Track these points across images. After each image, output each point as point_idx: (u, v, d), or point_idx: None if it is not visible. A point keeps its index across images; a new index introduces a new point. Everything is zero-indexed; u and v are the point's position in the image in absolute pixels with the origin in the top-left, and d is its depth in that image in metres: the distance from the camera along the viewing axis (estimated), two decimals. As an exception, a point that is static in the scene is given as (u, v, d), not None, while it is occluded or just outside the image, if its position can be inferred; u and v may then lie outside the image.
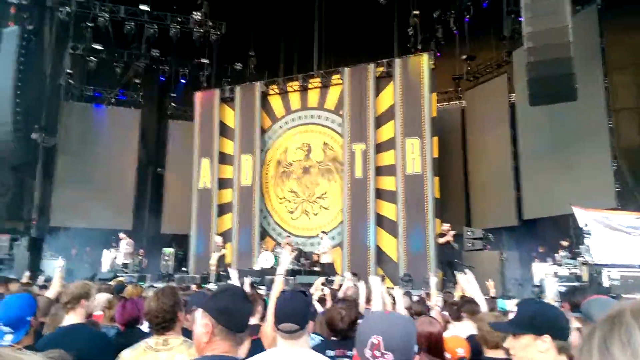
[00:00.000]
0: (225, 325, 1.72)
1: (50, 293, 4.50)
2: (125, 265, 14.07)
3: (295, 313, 2.08)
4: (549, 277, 8.63)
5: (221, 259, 14.24)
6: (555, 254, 9.69)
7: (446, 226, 11.87)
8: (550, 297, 7.55)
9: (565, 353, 1.81)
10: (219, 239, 14.65)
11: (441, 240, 11.68)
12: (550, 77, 10.16)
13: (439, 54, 16.04)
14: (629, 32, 13.10)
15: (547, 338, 1.79)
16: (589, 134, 11.93)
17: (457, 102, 16.83)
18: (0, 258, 13.08)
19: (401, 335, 1.42)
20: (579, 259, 8.60)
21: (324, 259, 12.90)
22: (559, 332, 1.81)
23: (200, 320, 1.75)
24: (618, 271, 7.71)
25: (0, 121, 14.65)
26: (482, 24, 15.74)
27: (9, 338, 2.21)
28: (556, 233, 11.55)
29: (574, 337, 2.01)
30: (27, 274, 6.91)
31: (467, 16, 15.86)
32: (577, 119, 11.96)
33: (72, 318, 2.92)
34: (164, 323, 2.32)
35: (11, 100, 14.61)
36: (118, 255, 14.29)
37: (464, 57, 16.44)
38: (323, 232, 13.76)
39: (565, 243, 10.22)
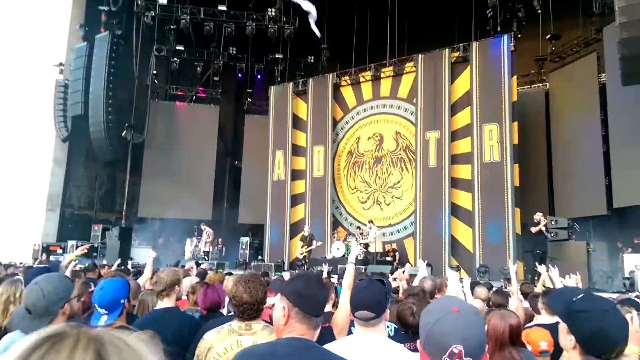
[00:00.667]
0: (301, 309, 1.76)
1: (141, 280, 4.87)
2: (206, 254, 14.77)
3: (372, 301, 2.10)
4: (639, 268, 7.86)
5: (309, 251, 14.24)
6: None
7: (538, 215, 11.10)
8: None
9: None
10: (306, 229, 14.59)
11: (534, 229, 10.93)
12: (645, 54, 9.25)
13: (520, 35, 15.12)
14: None
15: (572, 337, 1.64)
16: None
17: (540, 85, 15.82)
18: (95, 246, 14.21)
19: (479, 339, 1.34)
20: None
21: (370, 248, 12.74)
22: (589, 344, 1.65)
23: (278, 305, 1.81)
24: None
25: (95, 120, 15.88)
26: (567, 0, 14.63)
27: (104, 319, 2.37)
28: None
29: None
30: (118, 261, 7.48)
31: (551, -7, 14.80)
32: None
33: (165, 303, 3.18)
34: (255, 313, 2.37)
35: (104, 100, 15.78)
36: (200, 244, 15.02)
37: (548, 36, 15.39)
38: (371, 221, 13.61)
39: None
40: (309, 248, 13.38)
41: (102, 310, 2.41)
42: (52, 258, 12.76)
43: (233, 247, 16.20)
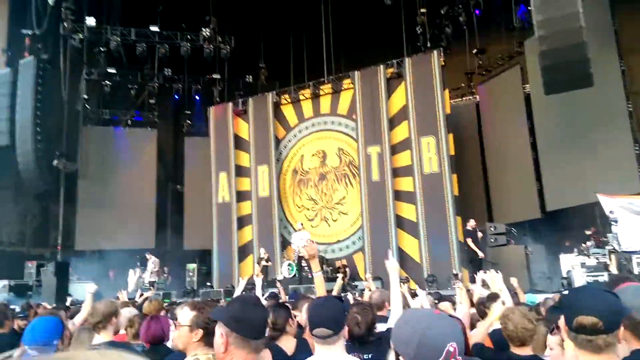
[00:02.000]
0: (239, 333, 1.74)
1: (78, 318, 4.57)
2: (152, 284, 14.20)
3: (329, 318, 2.12)
4: (576, 268, 8.39)
5: (264, 269, 14.07)
6: (582, 244, 9.43)
7: (472, 223, 11.62)
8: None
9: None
10: (262, 251, 14.52)
11: (470, 243, 11.39)
12: (564, 64, 9.95)
13: (448, 51, 15.86)
14: (641, 12, 12.76)
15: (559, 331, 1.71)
16: (608, 119, 11.65)
17: (470, 97, 16.63)
18: (29, 285, 13.36)
19: (461, 337, 1.38)
20: (606, 247, 8.35)
21: (303, 252, 12.92)
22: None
23: (217, 331, 1.79)
24: (648, 258, 7.45)
25: (23, 151, 15.00)
26: (491, 16, 15.57)
27: None
28: (581, 223, 11.26)
29: None
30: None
31: (476, 10, 15.67)
32: (594, 105, 11.69)
33: (103, 337, 2.98)
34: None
35: (32, 129, 14.95)
36: (145, 274, 14.44)
37: (475, 51, 16.26)
38: (302, 223, 14.06)
39: (590, 232, 9.93)
40: (265, 264, 13.50)
41: (33, 352, 2.26)
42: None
43: (180, 275, 15.71)
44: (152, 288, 13.59)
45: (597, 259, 8.51)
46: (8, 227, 16.22)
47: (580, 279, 8.08)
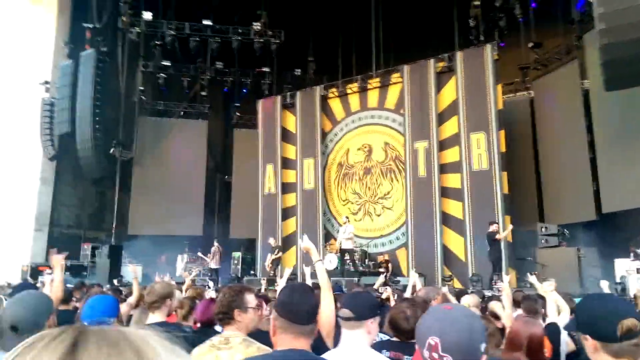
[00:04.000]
0: (285, 318, 1.82)
1: (131, 299, 4.79)
2: (216, 271, 14.61)
3: (355, 303, 2.25)
4: (631, 273, 7.94)
5: (275, 261, 14.32)
6: (638, 249, 8.91)
7: (495, 226, 11.28)
8: (633, 294, 6.95)
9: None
10: (272, 241, 14.83)
11: (499, 236, 10.98)
12: (627, 59, 9.40)
13: (502, 44, 15.35)
14: None
15: (587, 338, 1.62)
16: (672, 117, 10.92)
17: (525, 92, 16.02)
18: (84, 265, 14.05)
19: (462, 334, 1.29)
20: (666, 253, 7.87)
21: (345, 245, 12.96)
22: (600, 331, 1.59)
23: (270, 316, 1.95)
24: None
25: (83, 139, 15.76)
26: (548, 9, 14.91)
27: None
28: (638, 226, 10.62)
29: None
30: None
31: (532, 2, 15.07)
32: (658, 102, 10.99)
33: (156, 317, 3.09)
34: (220, 315, 2.40)
35: (91, 118, 15.68)
36: (212, 262, 14.81)
37: (531, 45, 15.62)
38: (347, 217, 13.83)
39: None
40: (273, 257, 13.62)
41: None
42: (40, 279, 12.56)
43: (225, 262, 16.08)
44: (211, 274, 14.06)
45: (654, 264, 8.03)
46: (67, 210, 17.13)
47: (635, 285, 7.65)
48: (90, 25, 16.86)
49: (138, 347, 0.51)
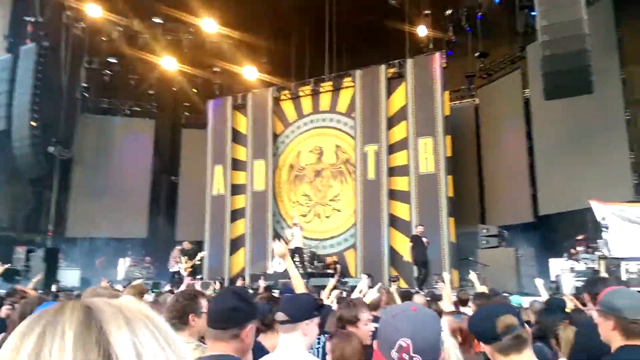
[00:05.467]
0: (209, 325, 1.89)
1: None
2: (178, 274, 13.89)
3: (291, 306, 2.26)
4: (565, 272, 8.34)
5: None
6: (572, 249, 9.38)
7: (420, 228, 11.95)
8: (567, 292, 7.29)
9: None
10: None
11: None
12: (566, 71, 9.89)
13: (450, 52, 15.84)
14: (645, 22, 12.71)
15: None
16: (606, 126, 11.58)
17: (470, 100, 16.58)
18: (18, 269, 13.28)
19: (430, 335, 1.33)
20: (596, 253, 8.30)
21: (296, 243, 12.97)
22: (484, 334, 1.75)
23: None
24: (636, 264, 7.39)
25: (19, 136, 14.94)
26: (494, 20, 15.52)
27: None
28: (572, 228, 11.21)
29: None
30: (38, 277, 6.99)
31: (479, 13, 15.64)
32: (593, 112, 11.64)
33: None
34: (173, 320, 2.33)
35: (29, 115, 14.90)
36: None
37: (477, 54, 16.20)
38: (295, 223, 13.78)
39: (581, 237, 9.89)
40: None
41: None
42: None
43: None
44: (140, 275, 13.50)
45: (586, 264, 8.46)
46: (0, 211, 16.15)
47: (568, 284, 8.03)
48: (32, 19, 16.05)
49: (146, 314, 0.54)
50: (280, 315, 2.19)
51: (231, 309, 1.88)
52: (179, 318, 2.33)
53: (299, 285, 3.20)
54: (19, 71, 15.32)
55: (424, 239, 11.50)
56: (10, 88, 15.27)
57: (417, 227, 12.02)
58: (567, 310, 4.45)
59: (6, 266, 4.99)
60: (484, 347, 1.72)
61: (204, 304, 2.41)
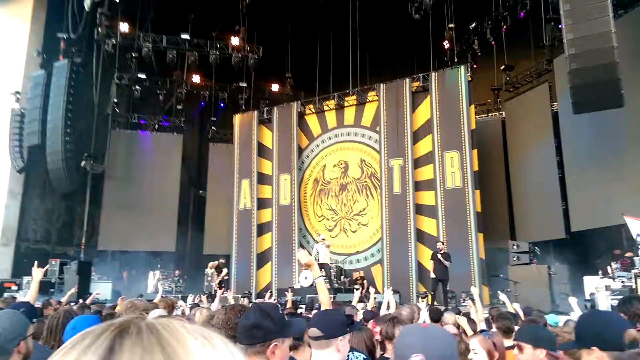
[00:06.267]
0: (238, 341, 1.89)
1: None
2: (220, 285, 14.16)
3: (324, 322, 2.25)
4: (600, 290, 8.16)
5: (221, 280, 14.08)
6: (608, 267, 9.18)
7: (439, 244, 11.87)
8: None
9: None
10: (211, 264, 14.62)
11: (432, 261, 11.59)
12: (594, 84, 9.75)
13: (475, 66, 15.79)
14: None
15: (594, 350, 1.71)
16: (637, 140, 11.36)
17: (496, 113, 16.46)
18: (52, 282, 13.61)
19: (443, 349, 1.35)
20: (632, 270, 8.11)
21: (322, 260, 13.07)
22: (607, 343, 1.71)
23: None
24: (675, 283, 7.20)
25: (52, 150, 15.36)
26: (519, 33, 15.42)
27: None
28: (607, 245, 10.97)
29: None
30: (73, 290, 7.18)
31: (504, 26, 15.58)
32: (623, 125, 11.45)
33: None
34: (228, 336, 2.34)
35: (62, 129, 15.33)
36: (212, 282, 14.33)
37: (502, 67, 16.12)
38: (322, 238, 13.90)
39: (618, 252, 9.67)
40: (220, 277, 13.45)
41: None
42: (6, 295, 12.09)
43: (198, 279, 15.82)
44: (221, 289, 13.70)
45: (622, 282, 8.27)
46: (35, 224, 16.61)
47: (604, 302, 7.86)
48: (65, 36, 16.54)
49: (171, 351, 0.53)
50: (313, 331, 2.18)
51: (253, 326, 1.91)
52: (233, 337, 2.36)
53: (325, 299, 3.09)
54: (52, 87, 15.76)
55: (439, 256, 11.36)
56: (44, 104, 15.76)
57: (437, 243, 12.00)
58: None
59: (47, 267, 5.10)
60: (587, 352, 1.73)
61: None
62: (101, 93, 18.16)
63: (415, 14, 15.31)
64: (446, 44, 16.36)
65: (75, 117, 15.84)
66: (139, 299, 3.41)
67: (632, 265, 8.52)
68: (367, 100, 16.14)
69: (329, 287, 12.80)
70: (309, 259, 3.25)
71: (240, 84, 19.44)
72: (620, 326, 1.72)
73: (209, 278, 14.96)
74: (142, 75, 18.70)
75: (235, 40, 18.31)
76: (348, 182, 16.12)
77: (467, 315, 6.12)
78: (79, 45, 16.99)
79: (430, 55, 16.08)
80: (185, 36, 18.23)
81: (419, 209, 14.23)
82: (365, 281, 13.63)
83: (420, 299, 10.96)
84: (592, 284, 9.00)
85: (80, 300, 8.06)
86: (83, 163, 16.50)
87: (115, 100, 18.72)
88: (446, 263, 11.33)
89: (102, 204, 17.76)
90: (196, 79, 19.46)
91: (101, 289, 13.56)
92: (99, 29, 17.19)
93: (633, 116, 11.10)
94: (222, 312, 2.48)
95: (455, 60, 16.13)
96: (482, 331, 4.24)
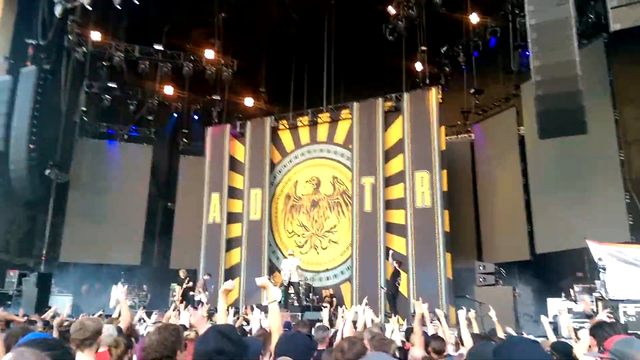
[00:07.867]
0: None
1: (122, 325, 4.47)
2: (199, 302, 13.75)
3: (294, 349, 2.26)
4: (563, 313, 8.35)
5: (185, 291, 13.82)
6: (570, 289, 9.42)
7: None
8: (565, 333, 7.29)
9: None
10: (181, 272, 14.36)
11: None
12: (559, 110, 10.05)
13: (446, 88, 16.16)
14: (637, 65, 13.09)
15: None
16: (600, 166, 11.78)
17: (466, 135, 16.82)
18: (9, 294, 13.08)
19: None
20: (594, 294, 8.34)
21: (293, 278, 13.24)
22: None
23: None
24: (634, 307, 7.44)
25: (16, 158, 14.90)
26: (489, 58, 15.90)
27: None
28: (570, 267, 11.26)
29: None
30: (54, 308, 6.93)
31: (474, 51, 16.05)
32: (587, 151, 11.82)
33: (86, 356, 2.83)
34: (163, 359, 2.20)
35: (27, 137, 14.88)
36: (201, 296, 13.91)
37: (472, 91, 16.53)
38: (292, 250, 14.06)
39: (580, 275, 9.94)
40: (182, 288, 13.33)
41: None
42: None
43: (164, 293, 15.47)
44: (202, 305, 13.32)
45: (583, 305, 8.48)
46: (-7, 234, 15.96)
47: (566, 325, 8.03)
48: (34, 42, 16.17)
49: None
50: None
51: (215, 351, 1.81)
52: (169, 357, 2.20)
53: (274, 326, 2.96)
54: (19, 93, 15.37)
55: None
56: (9, 110, 15.29)
57: (393, 262, 12.32)
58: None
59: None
60: None
61: (183, 334, 2.37)
62: (70, 101, 17.75)
63: (390, 35, 15.62)
64: (418, 66, 16.70)
65: (41, 125, 15.43)
66: (90, 318, 3.26)
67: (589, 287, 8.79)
68: (341, 118, 16.28)
69: (297, 305, 12.72)
70: (264, 282, 3.21)
71: (214, 97, 19.31)
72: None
73: (174, 293, 14.64)
74: (112, 84, 18.36)
75: (209, 54, 18.23)
76: (320, 198, 16.14)
77: (434, 335, 6.14)
78: (48, 52, 16.61)
79: (403, 76, 16.40)
80: (158, 47, 18.05)
81: (389, 228, 14.34)
82: (334, 299, 13.58)
83: (387, 318, 10.98)
84: (555, 306, 9.21)
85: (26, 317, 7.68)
86: (47, 172, 16.02)
87: (84, 108, 18.29)
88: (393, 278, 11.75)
89: (66, 215, 17.19)
90: (169, 90, 19.22)
91: (60, 303, 13.10)
92: (70, 36, 16.87)
93: (596, 143, 11.50)
94: (156, 333, 2.31)
95: (427, 82, 16.47)
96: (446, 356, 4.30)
